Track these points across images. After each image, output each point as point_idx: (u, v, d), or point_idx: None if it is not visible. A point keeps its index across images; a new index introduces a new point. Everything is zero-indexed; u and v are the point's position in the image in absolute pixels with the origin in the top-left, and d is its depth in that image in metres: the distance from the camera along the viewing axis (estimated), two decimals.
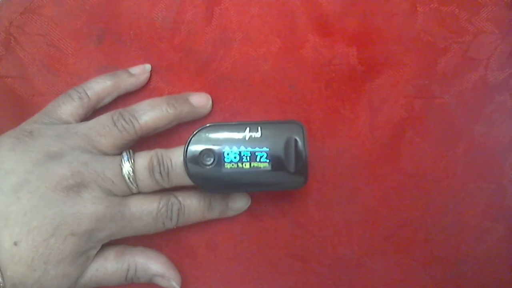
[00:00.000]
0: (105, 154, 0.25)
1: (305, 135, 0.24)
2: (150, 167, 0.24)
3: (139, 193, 0.25)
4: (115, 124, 0.25)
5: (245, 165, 0.24)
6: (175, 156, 0.25)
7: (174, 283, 0.27)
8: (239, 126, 0.24)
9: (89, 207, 0.23)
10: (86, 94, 0.27)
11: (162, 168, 0.24)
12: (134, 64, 0.29)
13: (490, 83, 0.28)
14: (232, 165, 0.24)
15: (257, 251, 0.29)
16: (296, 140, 0.24)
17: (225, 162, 0.24)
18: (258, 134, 0.24)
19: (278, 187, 0.25)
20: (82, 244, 0.23)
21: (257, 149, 0.24)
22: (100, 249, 0.25)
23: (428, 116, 0.28)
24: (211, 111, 0.28)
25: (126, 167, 0.24)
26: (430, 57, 0.28)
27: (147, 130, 0.26)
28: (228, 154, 0.24)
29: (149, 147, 0.26)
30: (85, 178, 0.23)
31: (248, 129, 0.24)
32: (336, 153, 0.28)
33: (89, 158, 0.24)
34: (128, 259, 0.26)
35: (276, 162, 0.24)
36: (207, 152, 0.24)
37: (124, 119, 0.25)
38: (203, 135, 0.24)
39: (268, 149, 0.24)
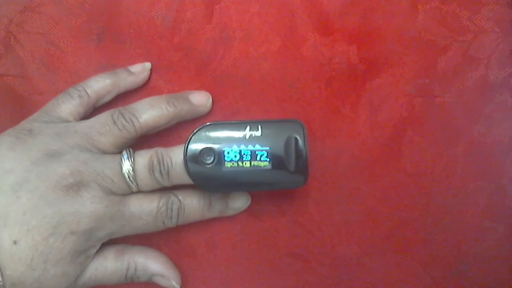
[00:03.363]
0: (105, 152, 0.25)
1: (306, 134, 0.24)
2: (150, 166, 0.24)
3: (139, 192, 0.25)
4: (115, 123, 0.25)
5: (245, 164, 0.24)
6: (175, 155, 0.25)
7: (174, 283, 0.27)
8: (240, 125, 0.24)
9: (88, 206, 0.23)
10: (86, 92, 0.26)
11: (162, 167, 0.24)
12: (133, 62, 0.29)
13: (491, 82, 0.28)
14: (233, 164, 0.24)
15: (257, 250, 0.28)
16: (296, 139, 0.24)
17: (226, 161, 0.24)
18: (258, 133, 0.24)
19: (278, 186, 0.25)
20: (81, 243, 0.23)
21: (257, 147, 0.24)
22: (99, 248, 0.25)
23: (428, 115, 0.28)
24: (211, 109, 0.28)
25: (126, 166, 0.24)
26: (430, 56, 0.28)
27: (147, 128, 0.25)
28: (228, 153, 0.24)
29: (149, 146, 0.26)
30: (84, 177, 0.23)
31: (248, 128, 0.24)
32: (336, 153, 0.28)
33: (89, 157, 0.24)
34: (128, 258, 0.26)
35: (277, 161, 0.24)
36: (207, 151, 0.24)
37: (124, 118, 0.25)
38: (203, 134, 0.24)
39: (268, 148, 0.24)
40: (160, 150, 0.25)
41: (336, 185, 0.28)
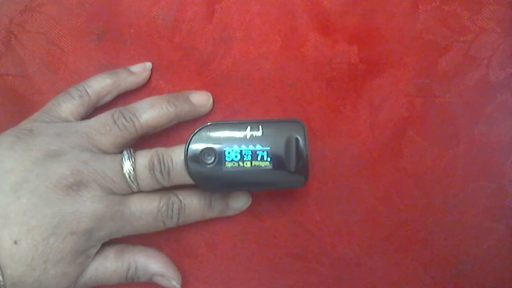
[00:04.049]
0: (105, 152, 0.25)
1: (306, 134, 0.24)
2: (150, 166, 0.24)
3: (139, 191, 0.25)
4: (115, 123, 0.25)
5: (246, 164, 0.24)
6: (176, 155, 0.25)
7: (174, 283, 0.27)
8: (240, 125, 0.24)
9: (88, 206, 0.23)
10: (87, 92, 0.26)
11: (162, 167, 0.24)
12: (134, 62, 0.29)
13: (492, 82, 0.28)
14: (233, 164, 0.24)
15: (257, 250, 0.28)
16: (297, 139, 0.24)
17: (226, 161, 0.24)
18: (259, 133, 0.24)
19: (278, 186, 0.25)
20: (81, 243, 0.23)
21: (258, 147, 0.24)
22: (100, 248, 0.25)
23: (429, 115, 0.28)
24: (211, 109, 0.28)
25: (127, 166, 0.24)
26: (431, 56, 0.28)
27: (148, 128, 0.25)
28: (229, 153, 0.24)
29: (150, 146, 0.26)
30: (84, 177, 0.23)
31: (249, 128, 0.24)
32: (336, 152, 0.28)
33: (89, 157, 0.24)
34: (128, 258, 0.26)
35: (277, 161, 0.24)
36: (208, 151, 0.24)
37: (125, 118, 0.25)
38: (204, 134, 0.24)
39: (269, 148, 0.24)
40: (161, 150, 0.25)
41: (337, 184, 0.28)
